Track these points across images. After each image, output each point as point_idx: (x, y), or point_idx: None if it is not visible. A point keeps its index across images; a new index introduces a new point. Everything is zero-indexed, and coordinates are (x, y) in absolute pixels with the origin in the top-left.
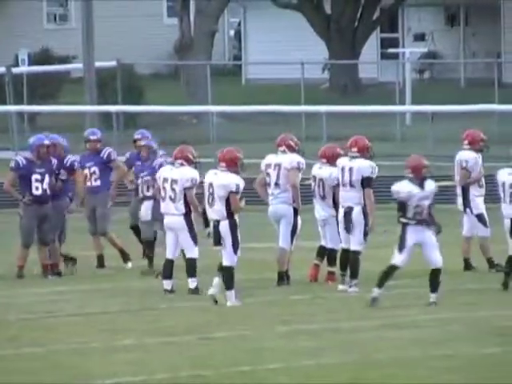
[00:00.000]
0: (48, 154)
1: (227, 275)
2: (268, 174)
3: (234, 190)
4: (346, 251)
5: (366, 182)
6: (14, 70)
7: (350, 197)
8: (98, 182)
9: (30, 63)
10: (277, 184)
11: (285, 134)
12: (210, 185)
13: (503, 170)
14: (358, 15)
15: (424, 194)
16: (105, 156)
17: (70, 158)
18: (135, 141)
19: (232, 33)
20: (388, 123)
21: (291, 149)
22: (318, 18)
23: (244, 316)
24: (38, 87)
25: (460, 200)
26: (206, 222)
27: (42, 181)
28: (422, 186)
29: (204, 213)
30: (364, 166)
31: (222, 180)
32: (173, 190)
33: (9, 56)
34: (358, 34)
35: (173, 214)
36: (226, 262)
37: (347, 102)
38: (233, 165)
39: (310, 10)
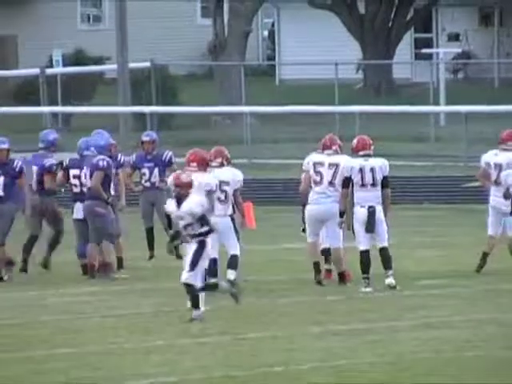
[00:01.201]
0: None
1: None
2: (318, 173)
3: (213, 188)
4: (367, 252)
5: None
6: (48, 71)
7: (372, 196)
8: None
9: (64, 64)
10: (331, 183)
11: (332, 135)
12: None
13: None
14: (392, 15)
15: None
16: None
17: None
18: (143, 142)
19: (266, 33)
20: (422, 123)
21: (340, 149)
22: (352, 18)
23: (277, 316)
24: (72, 88)
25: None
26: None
27: None
28: None
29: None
30: (385, 165)
31: (201, 179)
32: (222, 191)
33: (43, 57)
34: (392, 34)
35: (223, 216)
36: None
37: (381, 102)
38: (204, 164)
39: (344, 11)
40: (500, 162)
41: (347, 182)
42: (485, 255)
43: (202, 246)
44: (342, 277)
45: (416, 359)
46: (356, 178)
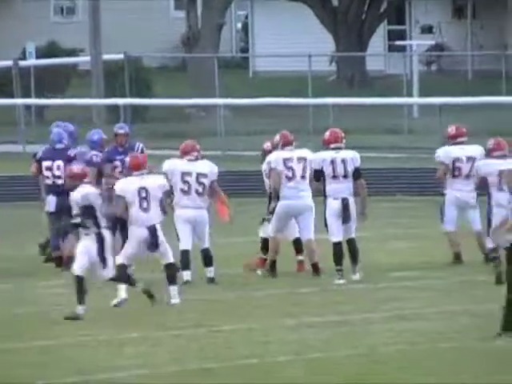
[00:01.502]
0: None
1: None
2: (290, 168)
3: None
4: (339, 244)
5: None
6: (22, 63)
7: (345, 188)
8: None
9: (37, 56)
10: (303, 177)
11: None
12: (143, 189)
13: (494, 161)
14: (365, 7)
15: None
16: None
17: None
18: (116, 135)
19: (239, 25)
20: (395, 115)
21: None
22: (325, 10)
23: (252, 309)
24: (46, 80)
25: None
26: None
27: None
28: None
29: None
30: (356, 157)
31: (157, 181)
32: (200, 183)
33: (16, 49)
34: (365, 27)
35: (200, 208)
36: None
37: (354, 94)
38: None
39: (317, 3)
40: (472, 154)
41: (318, 175)
42: (458, 256)
43: (100, 240)
44: (316, 268)
45: (390, 351)
46: (327, 170)
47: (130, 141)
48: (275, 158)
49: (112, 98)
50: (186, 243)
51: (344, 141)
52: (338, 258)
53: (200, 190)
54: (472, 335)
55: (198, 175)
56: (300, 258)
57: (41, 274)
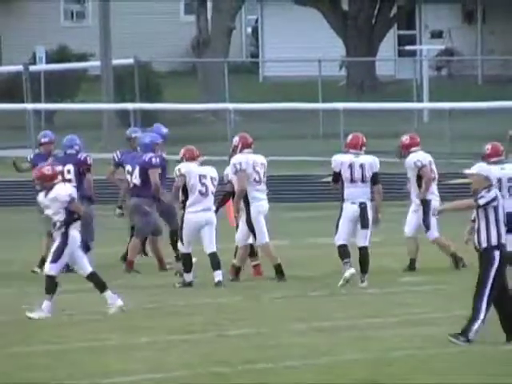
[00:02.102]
0: None
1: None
2: (257, 172)
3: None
4: (345, 246)
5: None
6: (32, 68)
7: (362, 192)
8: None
9: (48, 61)
10: (263, 181)
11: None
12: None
13: (493, 167)
14: (376, 12)
15: None
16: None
17: None
18: (130, 139)
19: (249, 30)
20: (405, 120)
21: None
22: (335, 15)
23: (261, 313)
24: (56, 85)
25: None
26: None
27: None
28: None
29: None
30: (375, 162)
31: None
32: (214, 186)
33: (26, 54)
34: (376, 32)
35: (210, 210)
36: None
37: (364, 99)
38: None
39: (327, 7)
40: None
41: (336, 177)
42: (413, 261)
43: (65, 238)
44: (280, 269)
45: (399, 356)
46: (345, 174)
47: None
48: (246, 160)
49: (122, 102)
50: (188, 246)
51: (364, 148)
52: (343, 254)
53: (213, 192)
54: (481, 339)
55: (212, 178)
56: (255, 262)
57: (37, 279)
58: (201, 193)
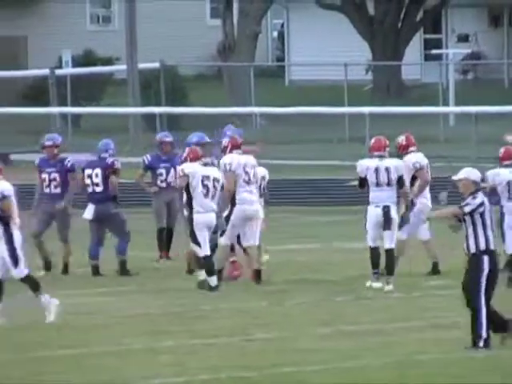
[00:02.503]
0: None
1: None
2: (247, 173)
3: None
4: (375, 249)
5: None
6: (58, 72)
7: (387, 196)
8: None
9: (74, 65)
10: (254, 183)
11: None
12: None
13: (503, 170)
14: (402, 16)
15: None
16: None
17: None
18: (162, 143)
19: (275, 34)
20: (431, 124)
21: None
22: (361, 19)
23: (286, 317)
24: (82, 89)
25: None
26: None
27: None
28: None
29: None
30: (400, 165)
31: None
32: (215, 188)
33: (52, 58)
34: (402, 35)
35: (214, 211)
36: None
37: (390, 103)
38: None
39: (353, 11)
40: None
41: (363, 182)
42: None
43: (9, 238)
44: (257, 275)
45: (425, 360)
46: (371, 178)
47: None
48: (237, 160)
49: (148, 106)
50: (207, 248)
51: (388, 149)
52: (373, 262)
53: (215, 193)
54: (508, 344)
55: (214, 180)
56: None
57: (74, 282)
58: (203, 193)
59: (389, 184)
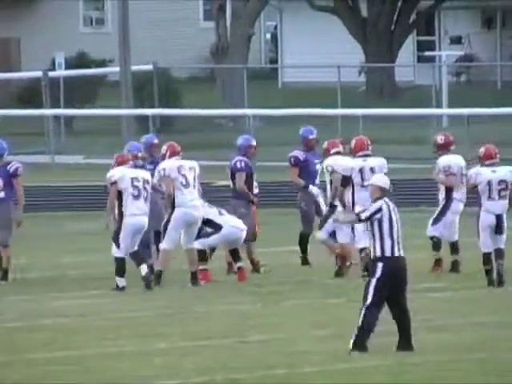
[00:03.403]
0: None
1: None
2: (184, 176)
3: None
4: (365, 249)
5: None
6: (51, 74)
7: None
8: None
9: (67, 67)
10: (195, 186)
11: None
12: None
13: (484, 169)
14: (395, 18)
15: None
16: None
17: None
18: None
19: (268, 36)
20: (424, 126)
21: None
22: (355, 21)
23: (279, 319)
24: (75, 91)
25: None
26: None
27: None
28: None
29: None
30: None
31: None
32: (145, 189)
33: (45, 60)
34: (395, 37)
35: (146, 214)
36: None
37: (384, 104)
38: None
39: (347, 13)
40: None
41: (347, 181)
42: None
43: None
44: (195, 276)
45: (418, 362)
46: (356, 179)
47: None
48: (170, 165)
49: (141, 108)
50: (124, 252)
51: (370, 147)
52: (365, 263)
53: (147, 195)
54: (500, 346)
55: (144, 181)
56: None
57: (68, 284)
58: (133, 195)
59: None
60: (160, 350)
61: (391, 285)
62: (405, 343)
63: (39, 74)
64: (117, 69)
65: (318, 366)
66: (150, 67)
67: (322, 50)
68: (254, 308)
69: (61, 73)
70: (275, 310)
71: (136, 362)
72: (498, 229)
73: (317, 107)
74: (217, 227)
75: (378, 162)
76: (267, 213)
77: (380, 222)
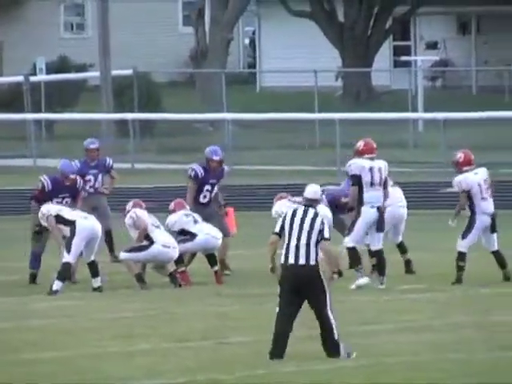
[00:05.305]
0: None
1: None
2: (371, 177)
3: None
4: (354, 249)
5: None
6: (32, 79)
7: (381, 196)
8: None
9: (48, 72)
10: (381, 184)
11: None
12: None
13: (468, 174)
14: (371, 23)
15: None
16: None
17: None
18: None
19: (247, 41)
20: (401, 130)
21: None
22: (332, 26)
23: (260, 320)
24: (56, 95)
25: None
26: None
27: None
28: None
29: None
30: (387, 166)
31: None
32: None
33: (26, 65)
34: (371, 42)
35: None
36: None
37: (360, 109)
38: None
39: (324, 19)
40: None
41: (358, 180)
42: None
43: None
44: (174, 277)
45: (397, 363)
46: (366, 178)
47: (102, 156)
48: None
49: (121, 112)
50: (73, 257)
51: (376, 152)
52: (354, 259)
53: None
54: (478, 346)
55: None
56: (216, 268)
57: (37, 286)
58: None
59: (381, 184)
60: (142, 350)
61: (291, 291)
62: (324, 346)
63: (20, 78)
64: (97, 73)
65: (298, 366)
66: (130, 72)
67: (299, 55)
68: (234, 310)
69: (42, 77)
70: (254, 312)
71: (119, 362)
72: (492, 227)
73: (294, 111)
74: (192, 235)
75: (382, 163)
76: (253, 216)
77: (282, 228)
